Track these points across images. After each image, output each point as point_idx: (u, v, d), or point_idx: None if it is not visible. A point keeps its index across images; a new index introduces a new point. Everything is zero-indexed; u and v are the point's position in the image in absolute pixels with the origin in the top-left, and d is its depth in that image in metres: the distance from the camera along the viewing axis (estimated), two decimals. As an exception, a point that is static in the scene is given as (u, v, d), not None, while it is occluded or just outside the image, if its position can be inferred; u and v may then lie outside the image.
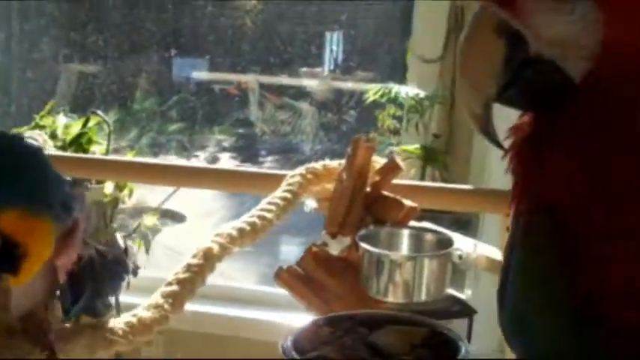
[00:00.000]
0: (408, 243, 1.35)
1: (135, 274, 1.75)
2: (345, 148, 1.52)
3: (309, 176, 1.52)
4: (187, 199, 3.05)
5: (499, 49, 0.71)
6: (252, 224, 1.32)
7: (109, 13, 3.76)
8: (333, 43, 4.13)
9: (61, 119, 2.77)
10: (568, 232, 0.63)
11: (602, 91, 0.68)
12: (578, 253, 0.62)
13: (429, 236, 1.35)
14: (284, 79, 4.24)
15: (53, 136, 2.73)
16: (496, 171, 2.58)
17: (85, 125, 2.72)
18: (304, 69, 4.23)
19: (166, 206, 2.81)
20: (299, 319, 1.00)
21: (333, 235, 1.47)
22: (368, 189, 1.48)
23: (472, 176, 2.58)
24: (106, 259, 1.18)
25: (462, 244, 1.40)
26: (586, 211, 0.64)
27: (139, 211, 2.58)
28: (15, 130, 2.37)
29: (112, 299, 1.33)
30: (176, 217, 3.10)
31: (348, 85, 4.14)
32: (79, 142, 2.61)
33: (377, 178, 1.49)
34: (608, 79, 0.67)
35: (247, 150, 4.04)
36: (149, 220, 2.63)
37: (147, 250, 2.54)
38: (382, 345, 0.76)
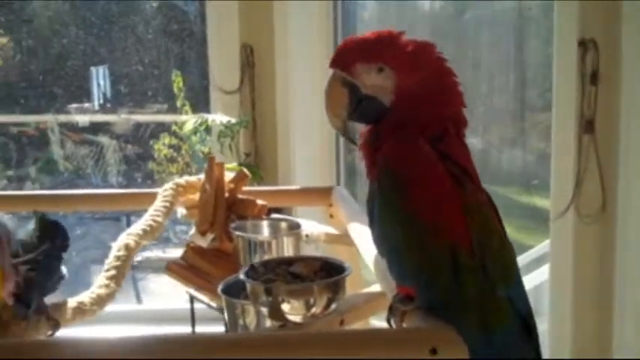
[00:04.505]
0: (268, 229, 1.81)
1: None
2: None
3: (178, 189, 1.93)
4: None
5: (345, 93, 1.24)
6: (150, 225, 1.72)
7: None
8: (100, 78, 4.39)
9: None
10: (398, 182, 1.16)
11: (400, 109, 1.22)
12: (405, 193, 1.15)
13: (282, 223, 1.82)
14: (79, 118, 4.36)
15: None
16: (300, 173, 3.14)
17: None
18: (74, 105, 4.43)
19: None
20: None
21: (204, 233, 1.89)
22: (226, 194, 1.92)
23: (281, 182, 3.10)
24: (39, 263, 1.48)
25: (307, 225, 1.88)
26: (403, 170, 1.17)
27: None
28: None
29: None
30: None
31: (146, 117, 4.43)
32: None
33: (232, 186, 1.93)
34: (401, 103, 1.23)
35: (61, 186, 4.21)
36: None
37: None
38: (298, 272, 1.23)
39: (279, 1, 3.22)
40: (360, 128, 1.29)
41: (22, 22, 4.13)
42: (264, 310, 1.19)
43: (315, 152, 3.24)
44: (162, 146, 3.79)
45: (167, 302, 3.89)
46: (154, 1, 4.00)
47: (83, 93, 4.29)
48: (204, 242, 1.90)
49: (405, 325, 1.17)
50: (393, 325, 1.19)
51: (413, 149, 1.17)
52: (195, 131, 3.19)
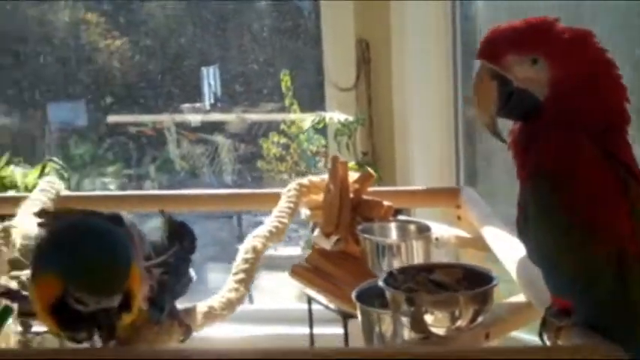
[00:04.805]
0: (396, 232, 1.74)
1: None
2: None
3: (302, 189, 1.89)
4: None
5: (494, 87, 1.15)
6: (276, 227, 1.68)
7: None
8: (210, 78, 4.42)
9: (15, 169, 2.98)
10: (555, 184, 1.07)
11: (556, 104, 1.11)
12: (563, 195, 1.05)
13: (411, 226, 1.74)
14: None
15: (14, 185, 2.92)
16: (419, 173, 3.05)
17: (42, 173, 2.94)
18: (186, 105, 4.47)
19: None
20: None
21: (328, 235, 1.84)
22: (351, 195, 1.85)
23: (400, 182, 3.02)
24: (170, 265, 1.45)
25: (437, 228, 1.79)
26: (561, 170, 1.07)
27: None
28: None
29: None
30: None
31: (259, 116, 4.43)
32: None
33: (357, 186, 1.87)
34: (557, 97, 1.12)
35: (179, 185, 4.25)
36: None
37: None
38: (440, 280, 1.15)
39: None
40: (509, 125, 1.20)
41: (139, 22, 4.22)
42: (405, 320, 1.11)
43: (434, 151, 3.13)
44: (271, 145, 3.77)
45: (279, 302, 3.87)
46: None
47: (196, 93, 4.34)
48: (328, 244, 1.85)
49: (560, 342, 1.07)
50: (547, 342, 1.10)
51: (572, 147, 1.07)
52: (307, 129, 3.16)
